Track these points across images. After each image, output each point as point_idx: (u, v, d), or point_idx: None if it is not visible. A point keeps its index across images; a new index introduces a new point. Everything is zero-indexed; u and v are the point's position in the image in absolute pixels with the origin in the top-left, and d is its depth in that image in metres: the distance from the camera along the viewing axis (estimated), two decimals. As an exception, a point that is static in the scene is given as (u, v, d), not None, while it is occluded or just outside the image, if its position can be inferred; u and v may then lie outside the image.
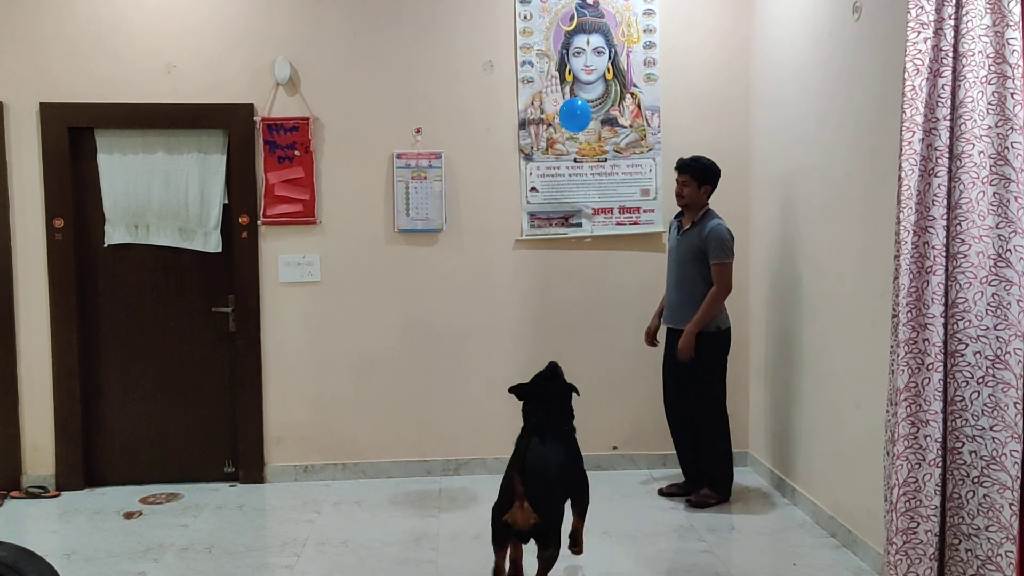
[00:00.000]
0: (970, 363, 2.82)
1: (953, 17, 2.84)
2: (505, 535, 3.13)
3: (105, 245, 4.83)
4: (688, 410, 4.44)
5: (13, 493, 4.71)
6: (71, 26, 4.70)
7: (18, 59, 4.69)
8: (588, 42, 4.93)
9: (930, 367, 2.86)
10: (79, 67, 4.72)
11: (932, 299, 2.85)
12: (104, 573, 3.67)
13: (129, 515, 4.39)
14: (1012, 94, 2.77)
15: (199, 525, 4.25)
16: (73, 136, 4.75)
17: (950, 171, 2.85)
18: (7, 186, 4.70)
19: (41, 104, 4.69)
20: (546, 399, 3.57)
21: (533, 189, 4.95)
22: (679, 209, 4.49)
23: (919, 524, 2.90)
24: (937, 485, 2.89)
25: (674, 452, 4.62)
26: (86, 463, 4.82)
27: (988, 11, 2.80)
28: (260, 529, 4.28)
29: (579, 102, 4.72)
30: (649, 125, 4.97)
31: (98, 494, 4.75)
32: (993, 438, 2.78)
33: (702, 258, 4.30)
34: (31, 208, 4.72)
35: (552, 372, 3.72)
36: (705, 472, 4.43)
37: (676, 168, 4.42)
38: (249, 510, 4.50)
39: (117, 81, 4.73)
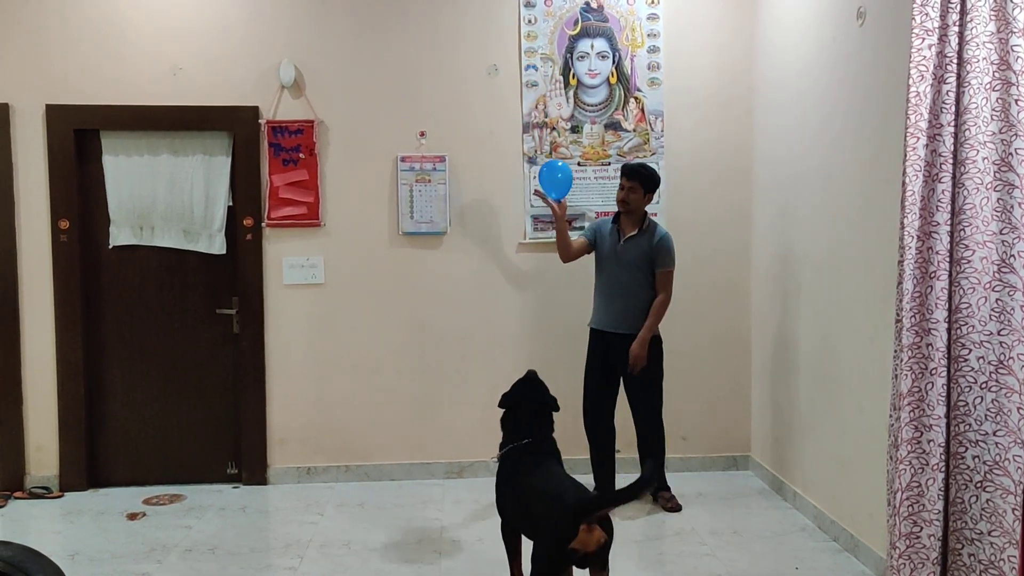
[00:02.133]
0: (973, 368, 2.83)
1: (957, 24, 2.85)
2: (564, 565, 2.86)
3: (110, 247, 4.84)
4: (610, 415, 4.49)
5: (17, 493, 4.71)
6: (77, 28, 4.72)
7: (24, 61, 4.70)
8: (592, 46, 4.94)
9: (933, 372, 2.87)
10: (84, 69, 4.73)
11: (936, 304, 2.87)
12: (108, 574, 3.68)
13: (132, 516, 4.40)
14: (1016, 100, 2.78)
15: (202, 526, 4.26)
16: (78, 138, 4.76)
17: (954, 177, 2.86)
18: (13, 187, 4.71)
19: (47, 106, 4.70)
20: (544, 411, 3.43)
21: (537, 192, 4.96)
22: (625, 213, 4.40)
23: (922, 529, 2.91)
24: (940, 490, 2.90)
25: (677, 455, 4.63)
26: (90, 464, 4.83)
27: (992, 18, 2.82)
28: (263, 531, 4.28)
29: (560, 163, 4.56)
30: (652, 129, 4.98)
31: (101, 495, 4.75)
32: (996, 443, 2.79)
33: (651, 265, 4.35)
34: (36, 209, 4.74)
35: (534, 380, 3.55)
36: (660, 472, 4.50)
37: (624, 174, 4.39)
38: (252, 511, 4.51)
39: (122, 83, 4.74)
